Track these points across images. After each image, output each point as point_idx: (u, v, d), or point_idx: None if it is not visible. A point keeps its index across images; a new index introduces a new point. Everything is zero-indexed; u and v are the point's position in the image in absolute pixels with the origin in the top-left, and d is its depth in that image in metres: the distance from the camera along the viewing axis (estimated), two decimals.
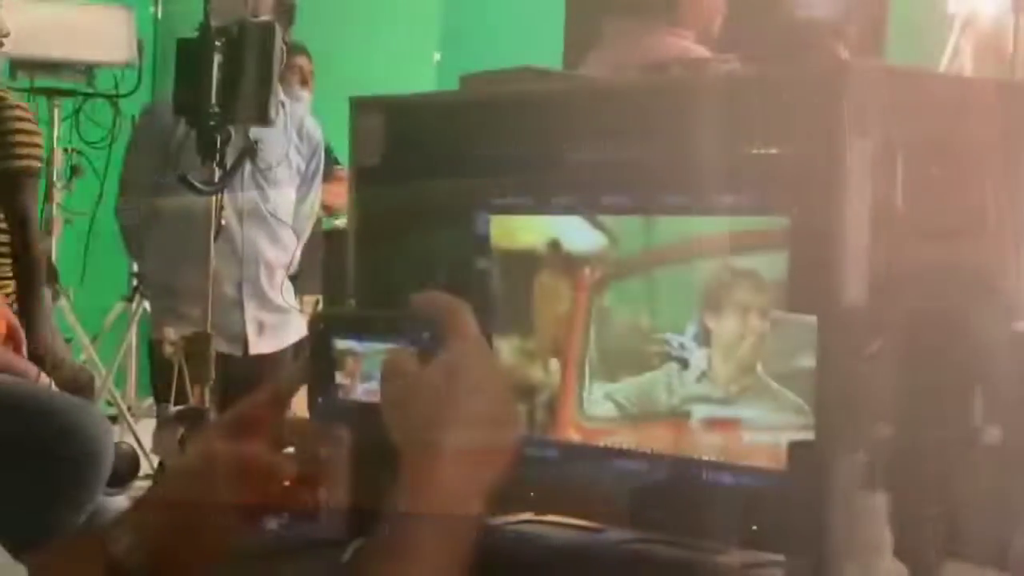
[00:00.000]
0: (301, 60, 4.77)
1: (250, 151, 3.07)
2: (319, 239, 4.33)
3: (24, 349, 2.98)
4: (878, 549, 1.21)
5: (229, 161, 3.04)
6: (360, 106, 1.73)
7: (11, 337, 2.94)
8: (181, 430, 3.01)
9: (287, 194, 3.78)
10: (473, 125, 1.69)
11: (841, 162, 1.27)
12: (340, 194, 4.47)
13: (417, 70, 7.00)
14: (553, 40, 6.01)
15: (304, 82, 4.63)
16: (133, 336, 6.41)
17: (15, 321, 3.00)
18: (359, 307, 1.70)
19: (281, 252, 3.75)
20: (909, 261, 1.32)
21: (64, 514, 2.64)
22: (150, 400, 6.44)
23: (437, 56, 7.20)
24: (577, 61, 3.28)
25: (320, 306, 4.54)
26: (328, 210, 4.33)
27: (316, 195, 3.92)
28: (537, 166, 1.68)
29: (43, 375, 2.87)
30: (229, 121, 2.99)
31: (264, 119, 3.02)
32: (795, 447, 1.30)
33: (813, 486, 1.28)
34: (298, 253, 3.85)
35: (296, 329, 3.89)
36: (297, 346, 3.96)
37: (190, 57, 2.95)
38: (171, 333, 3.01)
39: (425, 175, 1.70)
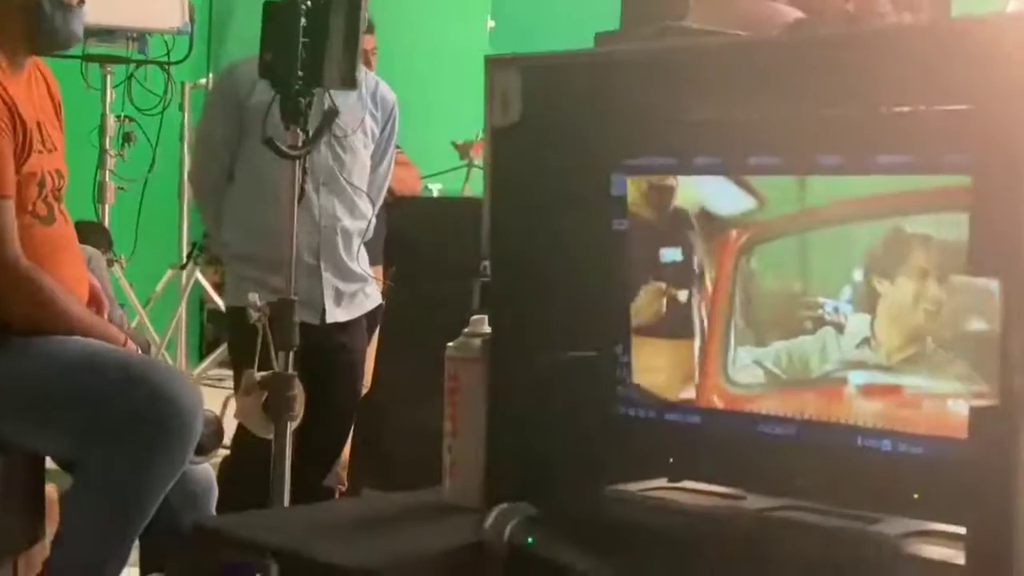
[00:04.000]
0: (365, 39, 4.60)
1: (333, 114, 3.02)
2: (382, 210, 4.28)
3: (106, 314, 2.95)
4: None
5: (312, 126, 2.99)
6: (495, 65, 1.69)
7: (92, 301, 2.91)
8: (264, 395, 2.97)
9: (363, 161, 3.71)
10: (611, 84, 1.65)
11: None
12: (400, 179, 4.41)
13: (471, 38, 6.95)
14: (608, 3, 5.96)
15: (367, 63, 4.50)
16: (183, 304, 6.41)
17: (97, 285, 2.96)
18: (496, 267, 1.66)
19: (358, 219, 3.69)
20: None
21: (154, 481, 2.62)
22: (200, 367, 6.45)
23: (491, 23, 7.14)
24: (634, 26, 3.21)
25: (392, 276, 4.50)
26: (391, 194, 4.25)
27: (390, 161, 3.86)
28: (677, 126, 1.64)
29: (130, 341, 2.84)
30: (315, 85, 2.94)
31: (351, 83, 2.97)
32: (978, 413, 1.26)
33: (998, 452, 1.24)
34: (373, 220, 3.80)
35: (372, 297, 3.85)
36: (371, 315, 3.92)
37: (276, 20, 2.90)
38: (256, 299, 2.97)
39: (561, 136, 1.67)
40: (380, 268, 4.54)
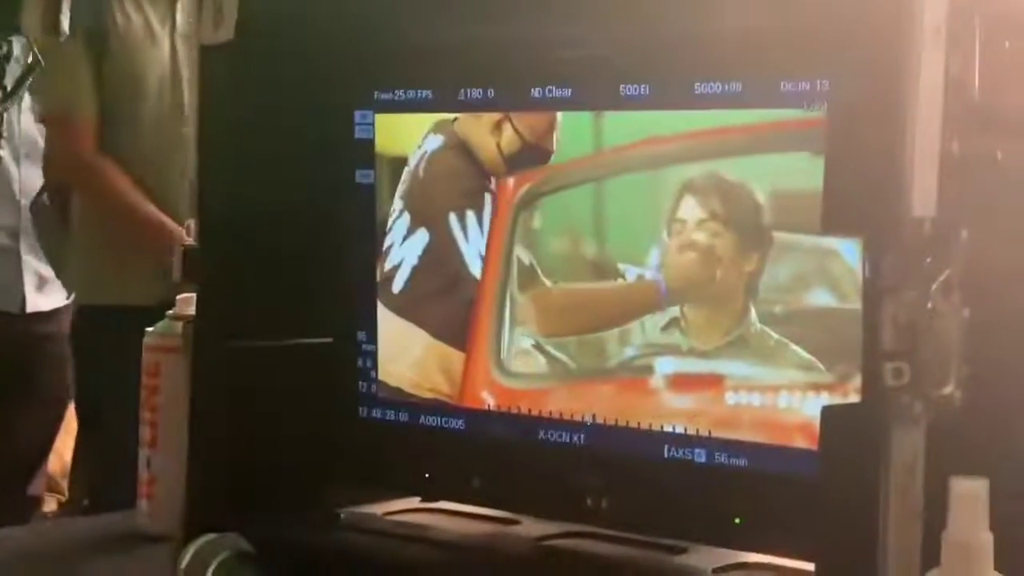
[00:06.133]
0: None
1: (36, 69, 2.60)
2: None
3: None
4: (975, 553, 0.88)
5: (9, 82, 2.58)
6: None
7: None
8: None
9: None
10: None
11: (909, 27, 0.93)
12: None
13: None
14: None
15: None
16: None
17: None
18: (204, 229, 1.29)
19: None
20: (986, 165, 0.99)
21: None
22: None
23: None
24: None
25: None
26: None
27: None
28: (439, 50, 1.30)
29: None
30: (8, 32, 2.53)
31: (54, 30, 2.55)
32: (834, 415, 0.95)
33: (859, 467, 0.93)
34: None
35: None
36: None
37: None
38: None
39: (291, 60, 1.31)
40: None
